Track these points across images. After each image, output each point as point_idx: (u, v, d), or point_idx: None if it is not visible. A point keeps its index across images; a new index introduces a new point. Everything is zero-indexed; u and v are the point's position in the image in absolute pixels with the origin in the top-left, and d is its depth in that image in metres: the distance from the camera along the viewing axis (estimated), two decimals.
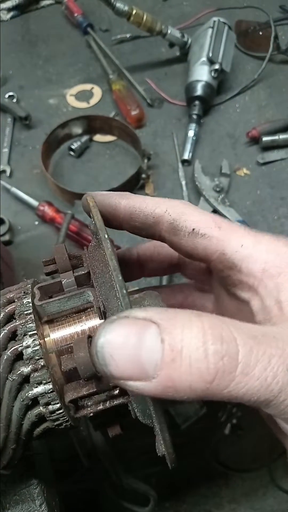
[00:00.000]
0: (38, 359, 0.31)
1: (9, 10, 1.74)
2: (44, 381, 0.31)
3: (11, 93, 1.43)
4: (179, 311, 0.26)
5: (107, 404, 0.34)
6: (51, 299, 0.34)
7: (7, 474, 0.33)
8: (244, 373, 0.24)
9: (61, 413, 0.32)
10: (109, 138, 1.29)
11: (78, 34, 1.64)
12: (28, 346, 0.32)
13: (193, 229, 0.37)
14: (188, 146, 1.22)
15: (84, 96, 1.44)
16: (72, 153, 1.26)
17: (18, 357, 0.32)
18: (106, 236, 0.31)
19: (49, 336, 0.33)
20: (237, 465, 1.99)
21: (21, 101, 1.43)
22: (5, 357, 0.31)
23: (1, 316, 0.33)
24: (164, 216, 0.39)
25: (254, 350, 0.25)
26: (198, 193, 1.15)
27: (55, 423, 0.33)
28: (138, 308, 0.26)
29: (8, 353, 0.31)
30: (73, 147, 1.25)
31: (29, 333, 0.32)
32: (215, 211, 1.11)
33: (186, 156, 1.20)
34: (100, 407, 0.34)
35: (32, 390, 0.31)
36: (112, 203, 0.41)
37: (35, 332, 0.32)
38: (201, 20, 1.55)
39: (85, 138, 1.28)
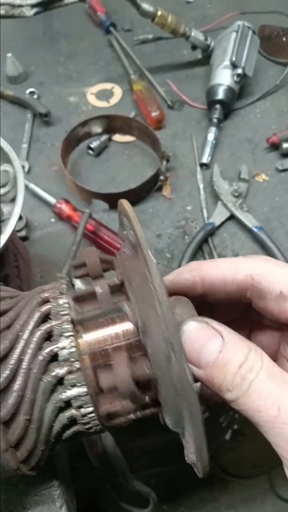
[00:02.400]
0: (74, 361, 0.31)
1: (32, 6, 1.75)
2: (79, 384, 0.31)
3: (32, 89, 1.43)
4: (243, 339, 0.32)
5: (139, 414, 0.33)
6: (87, 312, 0.33)
7: (32, 476, 0.33)
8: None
9: (93, 417, 0.32)
10: (128, 138, 1.29)
11: (100, 33, 1.64)
12: (63, 348, 0.31)
13: (281, 292, 0.34)
14: (207, 150, 1.21)
15: (104, 95, 1.44)
16: (90, 151, 1.26)
17: (53, 358, 0.32)
18: (151, 255, 0.30)
19: (82, 337, 0.33)
20: (236, 471, 1.97)
21: (41, 97, 1.43)
22: (41, 358, 0.31)
23: (37, 315, 0.32)
24: (246, 280, 0.36)
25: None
26: (215, 197, 1.15)
27: (86, 427, 0.33)
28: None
29: (44, 353, 0.31)
30: (92, 146, 1.25)
31: (65, 334, 0.32)
32: (232, 216, 1.10)
33: (205, 159, 1.20)
34: (132, 417, 0.33)
35: (66, 392, 0.31)
36: (187, 281, 0.39)
37: (72, 333, 0.32)
38: (224, 23, 1.54)
39: (104, 137, 1.28)
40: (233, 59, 1.25)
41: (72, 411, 0.32)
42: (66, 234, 1.12)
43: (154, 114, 1.28)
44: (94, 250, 0.37)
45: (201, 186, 1.17)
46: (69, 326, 0.32)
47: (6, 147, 0.69)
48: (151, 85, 1.41)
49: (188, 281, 0.38)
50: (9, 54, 1.46)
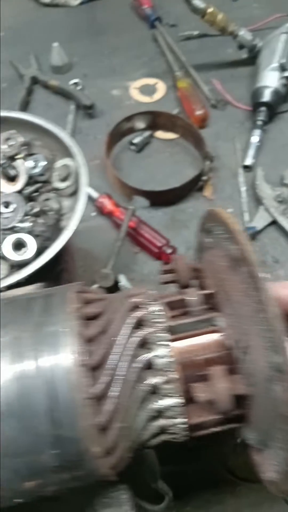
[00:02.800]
0: (169, 371, 0.31)
1: None
2: (173, 395, 0.31)
3: (75, 80, 1.43)
4: None
5: (224, 427, 0.33)
6: (182, 321, 0.33)
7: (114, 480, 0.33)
8: None
9: (182, 427, 0.32)
10: (170, 135, 1.28)
11: (145, 27, 1.63)
12: (159, 357, 0.31)
13: None
14: (251, 152, 1.20)
15: (147, 90, 1.43)
16: (133, 147, 1.26)
17: (149, 366, 0.32)
18: (261, 274, 0.30)
19: (174, 346, 0.33)
20: (245, 475, 1.97)
21: (85, 89, 1.43)
22: (137, 366, 0.31)
23: (131, 321, 0.32)
24: None
25: None
26: (257, 201, 1.13)
27: (173, 436, 0.33)
28: None
29: (140, 361, 0.31)
30: (134, 141, 1.24)
31: (161, 343, 0.32)
32: (274, 221, 1.09)
33: (248, 162, 1.19)
34: (216, 429, 0.33)
35: (159, 402, 0.31)
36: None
37: (168, 343, 0.32)
38: (270, 24, 1.52)
39: (147, 133, 1.27)
40: (282, 61, 1.23)
41: (163, 421, 0.32)
42: (106, 229, 1.12)
43: (199, 112, 1.26)
44: (183, 259, 0.37)
45: (243, 189, 1.16)
46: (164, 334, 0.32)
47: (68, 141, 0.69)
48: (195, 82, 1.40)
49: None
50: (55, 44, 1.46)
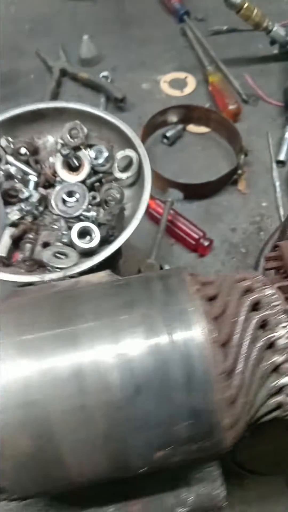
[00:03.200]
0: None
1: None
2: None
3: (105, 73, 1.44)
4: None
5: None
6: None
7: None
8: None
9: None
10: (203, 129, 1.30)
11: (173, 21, 1.64)
12: (281, 337, 0.33)
13: None
14: (285, 147, 1.21)
15: (177, 84, 1.44)
16: (165, 140, 1.27)
17: (270, 346, 0.33)
18: None
19: None
20: (253, 467, 2.00)
21: (114, 82, 1.43)
22: (259, 345, 0.33)
23: (248, 304, 0.34)
24: None
25: None
26: None
27: (284, 414, 0.35)
28: None
29: (262, 341, 0.33)
30: (167, 134, 1.26)
31: (282, 324, 0.34)
32: None
33: (282, 157, 1.20)
34: None
35: (280, 379, 0.33)
36: None
37: (287, 325, 0.34)
38: None
39: (179, 127, 1.28)
40: None
41: (281, 398, 0.34)
42: (142, 221, 1.13)
43: (232, 107, 1.28)
44: None
45: (277, 183, 1.17)
46: (283, 316, 0.34)
47: (129, 132, 0.71)
48: (225, 77, 1.40)
49: None
50: (85, 36, 1.46)
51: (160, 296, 0.34)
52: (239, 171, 1.17)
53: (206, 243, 1.06)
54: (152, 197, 1.13)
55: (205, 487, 0.42)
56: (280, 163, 1.21)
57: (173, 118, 1.29)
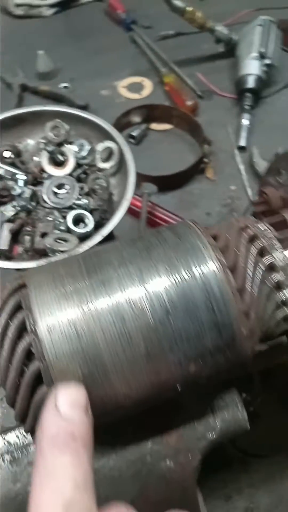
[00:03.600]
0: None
1: (51, 6, 1.81)
2: None
3: (65, 84, 1.50)
4: None
5: None
6: (283, 235, 0.42)
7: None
8: None
9: None
10: (166, 126, 1.37)
11: (121, 30, 1.72)
12: (277, 260, 0.40)
13: None
14: (244, 134, 1.30)
15: (135, 88, 1.51)
16: (132, 140, 1.34)
17: (270, 268, 0.40)
18: None
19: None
20: (255, 451, 2.07)
21: (75, 92, 1.49)
22: (262, 267, 0.39)
23: (246, 236, 0.40)
24: None
25: None
26: (256, 177, 1.24)
27: None
28: None
29: (264, 264, 0.39)
30: (134, 134, 1.32)
31: (278, 250, 0.40)
32: None
33: (243, 143, 1.29)
34: None
35: (282, 294, 0.39)
36: None
37: (283, 249, 0.40)
38: (240, 19, 1.65)
39: (143, 126, 1.35)
40: (261, 50, 1.35)
41: (286, 310, 0.40)
42: (123, 216, 1.18)
43: (189, 103, 1.36)
44: (274, 190, 0.45)
45: (242, 167, 1.26)
46: (278, 243, 0.40)
47: (106, 126, 0.76)
48: (179, 77, 1.49)
49: None
50: (40, 52, 1.52)
51: (171, 240, 0.40)
52: (205, 160, 1.25)
53: None
54: None
55: (229, 413, 0.48)
56: (241, 148, 1.30)
57: (136, 118, 1.36)
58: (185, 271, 0.37)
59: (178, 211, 1.19)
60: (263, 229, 0.42)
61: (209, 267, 0.37)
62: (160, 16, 1.71)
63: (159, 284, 0.37)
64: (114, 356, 0.35)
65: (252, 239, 0.41)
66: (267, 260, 0.39)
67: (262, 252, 0.40)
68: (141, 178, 1.21)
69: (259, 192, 0.49)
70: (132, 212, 1.18)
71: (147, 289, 0.37)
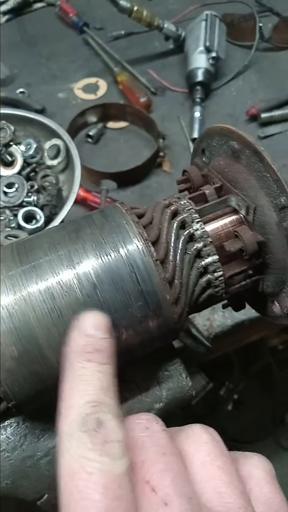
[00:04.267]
0: (206, 237, 0.43)
1: (4, 13, 1.82)
2: (212, 253, 0.43)
3: (21, 90, 1.51)
4: None
5: (250, 277, 0.45)
6: (205, 205, 0.45)
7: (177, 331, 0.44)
8: None
9: (222, 280, 0.43)
10: (121, 124, 1.40)
11: (74, 33, 1.75)
12: (197, 229, 0.43)
13: None
14: (196, 126, 1.35)
15: (90, 88, 1.54)
16: (89, 139, 1.37)
17: (190, 238, 0.43)
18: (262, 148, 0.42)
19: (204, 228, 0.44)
20: (244, 437, 2.12)
21: (31, 96, 1.51)
22: (182, 238, 0.42)
23: (169, 212, 0.43)
24: None
25: None
26: None
27: (215, 290, 0.44)
28: None
29: (184, 234, 0.42)
30: (91, 133, 1.35)
31: (196, 220, 0.43)
32: None
33: (195, 134, 1.33)
34: (245, 282, 0.45)
35: (204, 260, 0.43)
36: None
37: (200, 219, 0.43)
38: (188, 16, 1.69)
39: (100, 125, 1.38)
40: (207, 44, 1.39)
41: (208, 276, 0.43)
42: (82, 214, 1.21)
43: (143, 100, 1.40)
44: (195, 168, 0.49)
45: None
46: (197, 215, 0.43)
47: (52, 125, 0.79)
48: (132, 75, 1.53)
49: None
50: None
51: (98, 220, 0.43)
52: (161, 154, 1.28)
53: None
54: (88, 191, 1.21)
55: (173, 382, 0.51)
56: (194, 140, 1.34)
57: (92, 118, 1.38)
58: (110, 248, 0.40)
59: (138, 206, 1.22)
60: (184, 204, 0.45)
61: (132, 242, 0.40)
62: (110, 18, 1.75)
63: (86, 262, 0.40)
64: (47, 332, 0.38)
65: (174, 213, 0.44)
66: (187, 231, 0.42)
67: (183, 225, 0.43)
68: (100, 175, 1.24)
69: (182, 172, 0.52)
70: (92, 209, 1.21)
71: (75, 268, 0.40)
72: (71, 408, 0.29)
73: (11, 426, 0.49)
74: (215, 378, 1.56)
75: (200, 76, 1.39)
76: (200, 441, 0.33)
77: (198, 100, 1.39)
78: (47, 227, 0.69)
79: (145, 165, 1.25)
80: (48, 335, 0.38)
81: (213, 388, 1.41)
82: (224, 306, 0.51)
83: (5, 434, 0.49)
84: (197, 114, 1.36)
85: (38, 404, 0.43)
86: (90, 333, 0.32)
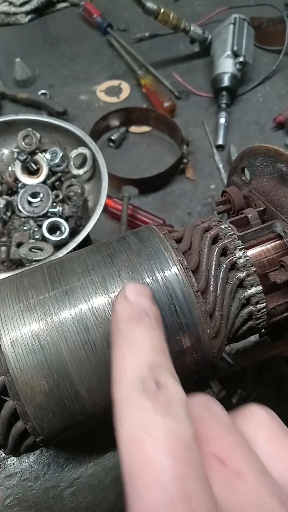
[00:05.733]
0: (250, 266, 0.40)
1: (27, 13, 1.81)
2: (256, 284, 0.40)
3: (43, 91, 1.50)
4: None
5: None
6: (248, 230, 0.42)
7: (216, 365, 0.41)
8: None
9: (264, 312, 0.41)
10: (144, 128, 1.38)
11: (97, 34, 1.73)
12: (240, 257, 0.40)
13: None
14: (221, 133, 1.31)
15: (113, 91, 1.52)
16: (111, 144, 1.34)
17: (232, 267, 0.40)
18: None
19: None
20: None
21: (53, 98, 1.50)
22: (224, 266, 0.39)
23: (209, 237, 0.41)
24: None
25: None
26: None
27: (257, 322, 0.41)
28: None
29: (226, 263, 0.39)
30: (113, 138, 1.33)
31: (239, 247, 0.40)
32: None
33: (220, 141, 1.30)
34: (286, 314, 0.42)
35: (247, 291, 0.40)
36: None
37: (243, 246, 0.40)
38: (214, 18, 1.66)
39: (122, 129, 1.36)
40: (235, 48, 1.36)
41: (250, 307, 0.40)
42: (104, 221, 1.19)
43: (167, 104, 1.37)
44: (236, 189, 0.46)
45: (221, 166, 1.27)
46: (239, 242, 0.41)
47: (79, 133, 0.77)
48: (156, 78, 1.50)
49: None
50: (17, 59, 1.52)
51: (135, 245, 0.40)
52: (185, 161, 1.25)
53: None
54: (109, 197, 1.19)
55: None
56: (219, 147, 1.31)
57: (115, 122, 1.36)
58: (147, 276, 0.38)
59: (160, 213, 1.19)
60: (225, 228, 0.42)
61: (171, 270, 0.38)
62: (135, 19, 1.72)
63: None
64: (79, 366, 0.35)
65: (215, 239, 0.41)
66: (229, 259, 0.40)
67: (224, 252, 0.41)
68: (122, 181, 1.21)
69: (222, 192, 0.49)
70: (113, 215, 1.19)
71: (110, 296, 0.37)
72: (125, 372, 0.26)
73: (34, 454, 0.47)
74: (228, 386, 1.54)
75: (226, 81, 1.36)
76: (261, 419, 0.30)
77: (223, 105, 1.35)
78: (72, 239, 0.67)
79: (168, 172, 1.22)
80: (81, 369, 0.36)
81: (225, 396, 1.38)
82: (261, 336, 0.48)
83: (27, 462, 0.47)
84: (222, 120, 1.33)
85: (67, 437, 0.40)
86: (136, 300, 0.30)
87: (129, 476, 0.23)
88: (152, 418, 0.23)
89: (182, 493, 0.22)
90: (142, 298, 0.30)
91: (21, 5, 1.78)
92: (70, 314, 0.36)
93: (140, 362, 0.26)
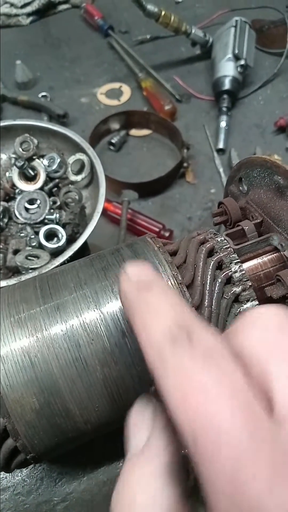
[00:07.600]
0: (246, 280, 0.39)
1: (28, 15, 1.80)
2: (252, 298, 0.39)
3: (44, 93, 1.49)
4: None
5: None
6: (245, 244, 0.41)
7: None
8: None
9: None
10: (145, 132, 1.37)
11: (99, 36, 1.72)
12: (236, 272, 0.39)
13: None
14: (222, 136, 1.30)
15: (114, 94, 1.51)
16: (112, 147, 1.33)
17: (228, 281, 0.39)
18: None
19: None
20: None
21: (54, 100, 1.49)
22: (219, 281, 0.39)
23: (204, 250, 0.40)
24: None
25: None
26: None
27: None
28: None
29: (222, 277, 0.39)
30: (113, 141, 1.32)
31: (234, 261, 0.40)
32: None
33: (221, 145, 1.29)
34: None
35: (242, 306, 0.39)
36: None
37: (239, 260, 0.40)
38: (215, 21, 1.65)
39: (122, 132, 1.35)
40: (236, 51, 1.35)
41: None
42: (102, 224, 1.18)
43: (167, 107, 1.36)
44: (232, 200, 0.45)
45: (221, 170, 1.26)
46: (235, 255, 0.40)
47: (76, 138, 0.76)
48: (157, 81, 1.49)
49: None
50: (18, 61, 1.51)
51: (129, 258, 0.40)
52: (185, 164, 1.25)
53: (166, 234, 1.13)
54: (109, 201, 1.18)
55: None
56: (220, 151, 1.30)
57: (115, 125, 1.35)
58: None
59: (160, 217, 1.19)
60: (221, 241, 0.41)
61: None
62: (136, 21, 1.71)
63: (115, 306, 0.37)
64: (70, 383, 0.35)
65: (210, 251, 0.41)
66: (224, 273, 0.39)
67: (220, 265, 0.40)
68: (121, 185, 1.21)
69: (218, 203, 0.48)
70: (112, 219, 1.18)
71: (103, 312, 0.36)
72: (155, 336, 0.24)
73: (27, 468, 0.47)
74: None
75: (227, 85, 1.35)
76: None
77: (224, 109, 1.34)
78: (69, 246, 0.66)
79: (168, 176, 1.22)
80: (72, 386, 0.35)
81: None
82: None
83: (20, 476, 0.46)
84: (223, 123, 1.32)
85: (58, 454, 0.40)
86: (139, 272, 0.28)
87: (187, 433, 0.20)
88: (196, 369, 0.22)
89: (255, 447, 0.19)
90: (144, 270, 0.29)
91: (22, 6, 1.78)
92: (61, 330, 0.36)
93: (165, 324, 0.24)
